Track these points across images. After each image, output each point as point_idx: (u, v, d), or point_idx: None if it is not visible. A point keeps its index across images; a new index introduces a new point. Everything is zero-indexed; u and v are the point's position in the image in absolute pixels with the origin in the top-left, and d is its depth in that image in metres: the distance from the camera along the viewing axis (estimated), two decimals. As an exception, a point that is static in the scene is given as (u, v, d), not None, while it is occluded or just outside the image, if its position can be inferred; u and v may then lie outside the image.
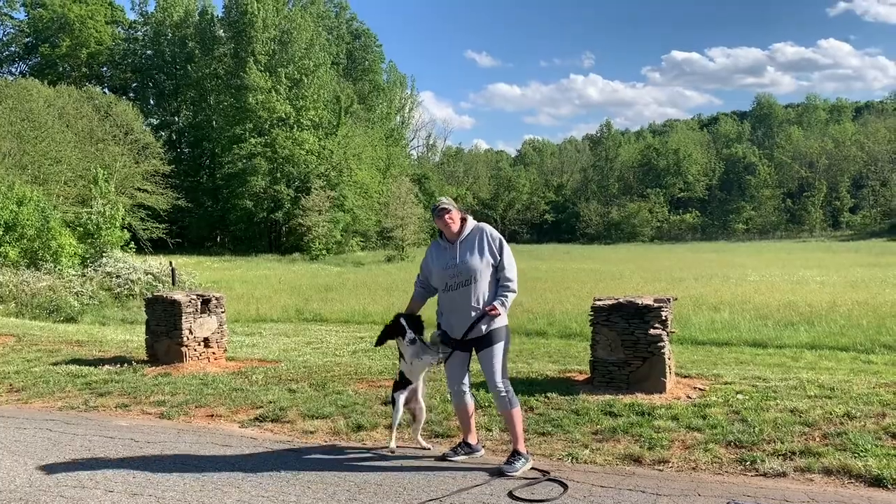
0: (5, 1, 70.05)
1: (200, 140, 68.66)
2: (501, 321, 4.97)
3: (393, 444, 5.30)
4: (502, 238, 5.08)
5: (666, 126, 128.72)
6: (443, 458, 5.13)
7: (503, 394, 4.91)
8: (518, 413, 4.97)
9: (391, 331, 5.18)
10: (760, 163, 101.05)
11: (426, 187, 79.24)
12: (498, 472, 4.75)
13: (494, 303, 4.88)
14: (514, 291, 4.97)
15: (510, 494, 4.45)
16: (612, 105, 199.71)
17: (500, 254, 4.97)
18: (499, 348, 4.93)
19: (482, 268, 4.92)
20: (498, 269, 4.96)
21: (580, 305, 15.80)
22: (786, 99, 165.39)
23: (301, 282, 30.39)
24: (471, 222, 5.10)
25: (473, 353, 5.08)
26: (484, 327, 4.90)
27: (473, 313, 4.90)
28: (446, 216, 5.00)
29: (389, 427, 5.42)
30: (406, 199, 57.73)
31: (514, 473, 4.74)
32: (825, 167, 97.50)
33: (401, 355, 5.28)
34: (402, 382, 5.33)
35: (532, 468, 4.85)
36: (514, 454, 4.88)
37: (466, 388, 5.14)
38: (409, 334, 5.08)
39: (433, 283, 5.18)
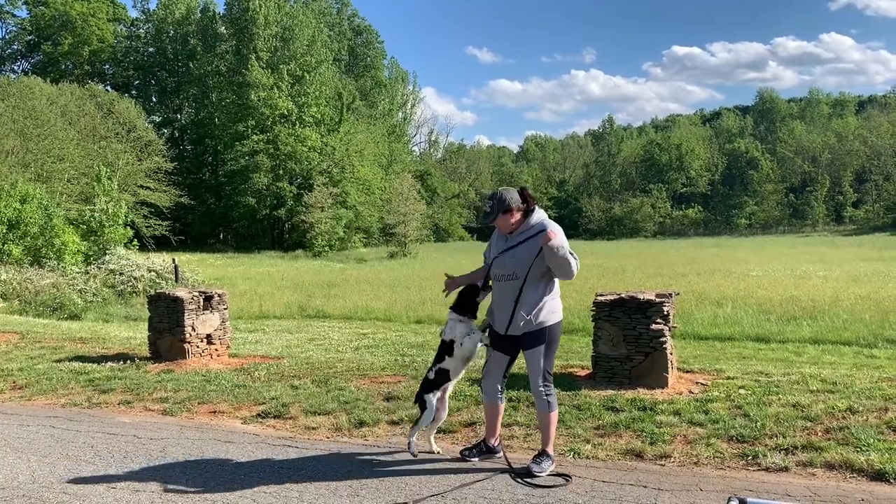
0: (7, -1, 70.14)
1: (203, 137, 68.72)
2: (554, 318, 4.80)
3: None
4: (566, 245, 4.66)
5: (668, 121, 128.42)
6: (461, 458, 5.04)
7: (544, 396, 4.80)
8: (555, 417, 4.89)
9: (468, 293, 5.04)
10: (763, 157, 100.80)
11: (428, 184, 79.31)
12: (526, 472, 4.67)
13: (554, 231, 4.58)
14: (572, 263, 4.63)
15: (517, 478, 4.54)
16: (613, 100, 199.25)
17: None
18: (545, 348, 4.77)
19: (533, 267, 4.65)
20: None
21: (582, 301, 15.76)
22: (788, 93, 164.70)
23: (304, 278, 30.42)
24: (537, 216, 4.74)
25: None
26: (521, 324, 4.71)
27: (519, 313, 4.70)
28: (493, 222, 4.78)
29: (413, 426, 5.17)
30: (408, 195, 57.70)
31: (542, 473, 4.66)
32: (828, 162, 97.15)
33: (442, 353, 5.05)
34: (436, 382, 5.06)
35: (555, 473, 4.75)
36: (543, 454, 4.80)
37: (501, 392, 5.05)
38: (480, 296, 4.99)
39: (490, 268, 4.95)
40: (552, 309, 4.81)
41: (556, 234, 4.58)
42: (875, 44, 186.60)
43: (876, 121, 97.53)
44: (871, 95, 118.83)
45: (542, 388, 4.79)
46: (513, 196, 4.72)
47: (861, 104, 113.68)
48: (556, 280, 4.85)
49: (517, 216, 4.72)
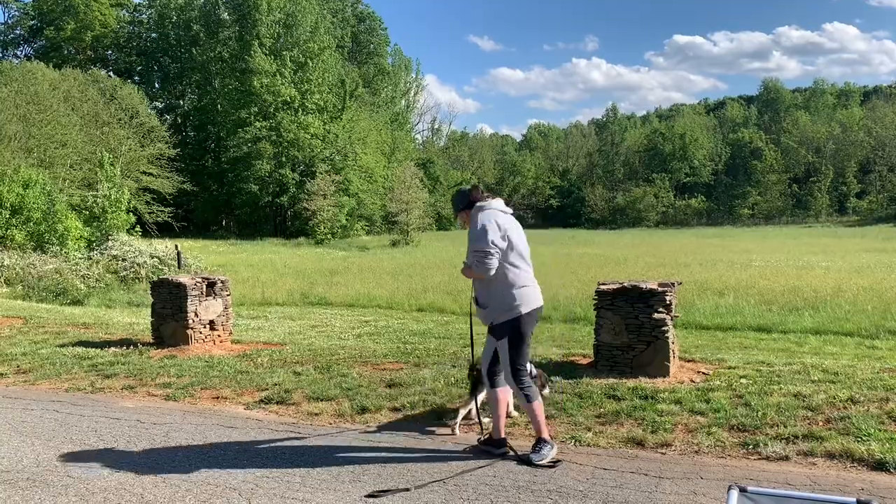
0: (10, -16, 69.90)
1: (205, 124, 68.57)
2: (501, 317, 4.77)
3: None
4: (477, 236, 4.76)
5: (672, 110, 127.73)
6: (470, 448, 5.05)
7: (518, 388, 4.82)
8: (538, 406, 4.85)
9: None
10: (767, 148, 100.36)
11: (431, 172, 79.12)
12: (526, 461, 4.69)
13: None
14: (465, 264, 4.88)
15: (521, 461, 4.55)
16: (616, 89, 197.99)
17: None
18: (502, 344, 4.79)
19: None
20: None
21: (584, 290, 15.77)
22: (792, 83, 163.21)
23: (306, 266, 30.43)
24: (476, 208, 4.98)
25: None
26: (481, 317, 4.93)
27: (473, 306, 5.03)
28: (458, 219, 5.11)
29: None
30: (411, 183, 57.54)
31: (543, 461, 4.68)
32: (832, 152, 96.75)
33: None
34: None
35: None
36: (540, 441, 4.81)
37: (494, 375, 5.04)
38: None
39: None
40: (506, 302, 4.78)
41: (472, 216, 4.88)
42: (880, 34, 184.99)
43: (881, 111, 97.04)
44: (876, 86, 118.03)
45: (514, 382, 4.84)
46: (462, 198, 5.05)
47: (866, 94, 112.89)
48: (514, 272, 4.79)
49: (463, 215, 5.03)
